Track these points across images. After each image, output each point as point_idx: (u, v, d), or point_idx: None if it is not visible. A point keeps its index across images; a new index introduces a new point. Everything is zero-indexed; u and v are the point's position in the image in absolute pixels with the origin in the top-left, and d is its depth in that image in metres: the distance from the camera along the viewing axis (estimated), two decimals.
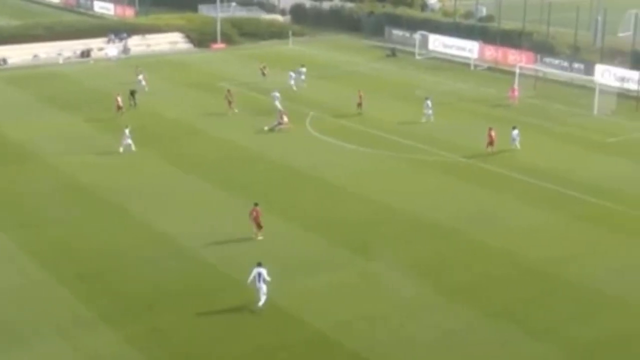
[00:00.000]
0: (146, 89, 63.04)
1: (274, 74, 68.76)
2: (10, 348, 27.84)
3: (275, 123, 53.66)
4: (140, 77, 64.34)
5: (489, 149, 48.26)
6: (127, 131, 48.73)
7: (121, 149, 48.59)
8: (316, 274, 33.20)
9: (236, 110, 57.20)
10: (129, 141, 48.65)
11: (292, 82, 64.59)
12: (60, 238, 36.91)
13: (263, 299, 30.23)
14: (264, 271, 30.25)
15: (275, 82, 65.14)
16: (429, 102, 55.98)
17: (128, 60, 79.24)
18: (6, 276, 33.16)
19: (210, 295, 31.50)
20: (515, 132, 49.61)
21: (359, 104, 57.82)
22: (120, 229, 37.87)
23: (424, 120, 55.43)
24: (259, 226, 36.33)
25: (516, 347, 28.13)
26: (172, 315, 30.06)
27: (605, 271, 33.64)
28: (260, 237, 36.25)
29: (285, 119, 53.76)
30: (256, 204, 36.51)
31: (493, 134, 48.36)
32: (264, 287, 30.26)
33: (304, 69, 66.73)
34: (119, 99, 56.18)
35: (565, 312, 30.32)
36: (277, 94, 57.75)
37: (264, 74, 68.43)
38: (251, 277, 30.37)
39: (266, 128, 52.78)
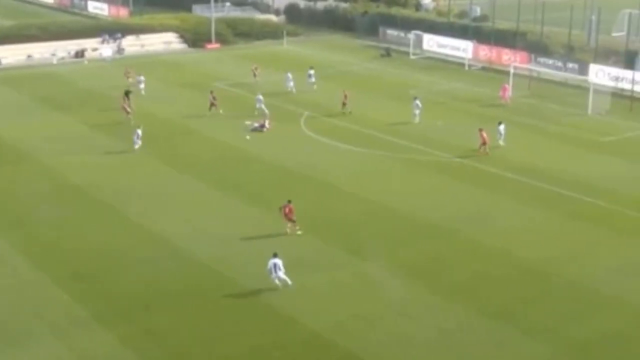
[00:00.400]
0: (143, 92, 62.46)
1: (268, 74, 68.76)
2: (5, 348, 27.79)
3: (257, 125, 53.52)
4: (142, 78, 63.66)
5: (482, 150, 48.22)
6: (139, 131, 48.83)
7: (136, 147, 48.74)
8: (311, 273, 33.17)
9: (221, 111, 56.69)
10: (139, 141, 48.74)
11: (292, 84, 64.14)
12: (54, 238, 36.85)
13: (288, 280, 31.41)
14: (279, 262, 31.27)
15: (269, 83, 65.21)
16: (418, 102, 55.64)
17: (122, 61, 79.11)
18: (0, 276, 33.08)
19: (205, 295, 31.47)
20: (502, 127, 49.68)
21: (344, 104, 57.82)
22: (115, 229, 37.81)
23: (416, 120, 55.22)
24: (292, 221, 36.73)
25: (513, 347, 28.14)
26: (167, 315, 30.03)
27: (601, 270, 33.67)
28: (299, 232, 36.78)
29: (267, 124, 53.74)
30: (289, 201, 36.85)
31: (485, 134, 48.36)
32: (282, 275, 31.32)
33: (312, 71, 65.73)
34: (125, 104, 55.54)
35: (562, 312, 30.35)
36: (261, 97, 57.30)
37: (255, 76, 68.04)
38: (268, 267, 31.25)
39: (248, 137, 51.37)
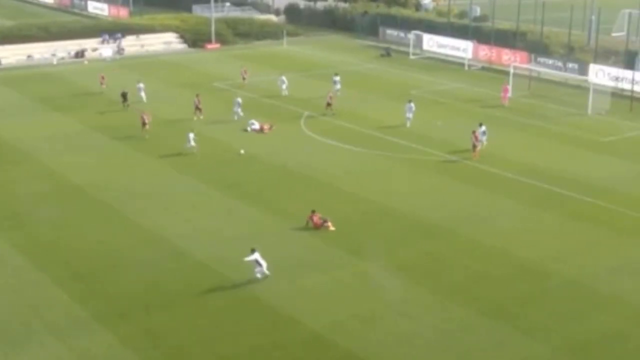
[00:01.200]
0: (144, 99, 60.70)
1: (267, 74, 68.71)
2: (5, 348, 27.78)
3: (257, 127, 53.48)
4: (141, 85, 61.62)
5: (476, 152, 47.84)
6: (191, 135, 48.45)
7: (195, 150, 48.27)
8: (311, 273, 33.19)
9: (201, 117, 55.91)
10: (193, 143, 48.30)
11: (284, 86, 63.74)
12: (54, 238, 36.85)
13: (266, 272, 32.05)
14: (258, 255, 32.07)
15: (267, 82, 65.10)
16: (412, 105, 54.74)
17: (122, 61, 79.26)
18: (0, 276, 33.09)
19: (205, 295, 31.46)
20: (483, 128, 49.32)
21: (329, 104, 57.64)
22: (114, 229, 37.80)
23: (408, 125, 54.26)
24: (322, 225, 37.33)
25: (513, 347, 28.14)
26: (166, 315, 30.02)
27: (600, 270, 33.69)
28: (332, 228, 37.31)
29: (265, 125, 53.69)
30: (313, 211, 37.47)
31: (478, 136, 48.15)
32: (265, 270, 32.01)
33: (337, 77, 63.88)
34: (144, 116, 52.13)
35: (561, 312, 30.35)
36: (239, 100, 56.49)
37: (244, 79, 67.63)
38: (250, 258, 31.93)
39: (242, 151, 49.03)
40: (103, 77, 65.60)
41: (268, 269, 32.24)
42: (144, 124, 51.90)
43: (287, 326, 29.33)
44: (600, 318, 30.04)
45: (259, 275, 32.12)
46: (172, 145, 50.35)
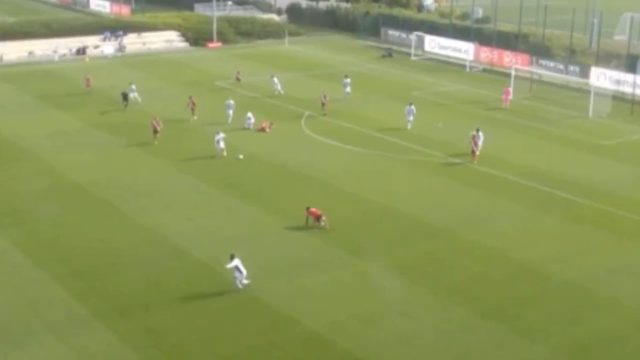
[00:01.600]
0: (138, 99, 60.12)
1: (267, 74, 68.70)
2: (4, 347, 27.77)
3: (246, 124, 53.58)
4: (133, 87, 60.36)
5: (476, 154, 47.66)
6: (220, 136, 47.88)
7: (224, 153, 47.66)
8: (310, 273, 33.20)
9: (195, 118, 55.65)
10: (222, 145, 47.74)
11: (279, 87, 63.68)
12: (54, 236, 36.85)
13: (245, 281, 31.43)
14: (238, 262, 31.38)
15: (265, 82, 65.13)
16: (412, 108, 54.34)
17: (124, 58, 79.24)
18: (0, 274, 33.09)
19: (204, 294, 31.46)
20: (480, 133, 48.99)
21: (323, 104, 57.67)
22: (115, 227, 37.80)
23: (409, 127, 53.93)
24: (320, 219, 37.36)
25: (512, 347, 28.17)
26: (166, 314, 30.03)
27: (598, 272, 33.71)
28: (327, 226, 37.32)
29: (265, 124, 53.73)
30: (308, 208, 37.46)
31: (477, 139, 48.00)
32: (245, 280, 31.45)
33: (348, 80, 63.48)
34: (154, 122, 50.66)
35: (560, 313, 30.37)
36: (232, 102, 56.11)
37: (238, 79, 67.58)
38: (231, 265, 31.34)
39: (241, 156, 48.26)
40: (89, 79, 64.50)
41: (263, 269, 32.17)
42: (155, 131, 50.40)
43: (286, 326, 29.34)
44: (599, 320, 30.08)
45: (239, 286, 31.35)
46: (173, 143, 50.36)
